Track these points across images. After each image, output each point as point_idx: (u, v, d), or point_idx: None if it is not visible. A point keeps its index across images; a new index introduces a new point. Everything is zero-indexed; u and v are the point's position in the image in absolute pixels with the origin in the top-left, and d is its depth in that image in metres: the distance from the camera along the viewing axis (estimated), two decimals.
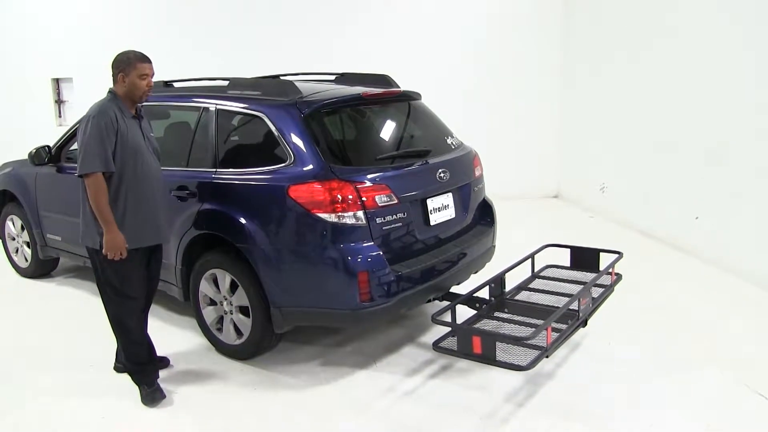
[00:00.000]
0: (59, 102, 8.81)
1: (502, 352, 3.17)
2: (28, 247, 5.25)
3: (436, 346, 3.30)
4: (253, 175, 3.52)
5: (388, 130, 4.00)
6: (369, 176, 3.38)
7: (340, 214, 3.24)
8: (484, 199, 4.30)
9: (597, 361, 3.70)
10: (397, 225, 3.44)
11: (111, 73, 3.18)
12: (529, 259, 4.20)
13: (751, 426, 3.06)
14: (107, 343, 3.58)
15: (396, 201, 3.41)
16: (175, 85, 4.36)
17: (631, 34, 6.71)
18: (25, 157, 4.79)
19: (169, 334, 4.15)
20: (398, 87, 4.25)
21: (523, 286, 4.07)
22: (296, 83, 3.75)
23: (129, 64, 3.12)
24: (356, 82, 4.31)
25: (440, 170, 3.74)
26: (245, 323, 3.63)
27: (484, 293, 3.77)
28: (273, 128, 3.51)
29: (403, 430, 3.08)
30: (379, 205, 3.34)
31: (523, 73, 8.26)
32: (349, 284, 3.25)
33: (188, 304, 4.02)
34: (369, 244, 3.30)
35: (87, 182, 3.01)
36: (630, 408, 3.21)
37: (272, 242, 3.38)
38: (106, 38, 7.95)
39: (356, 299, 3.26)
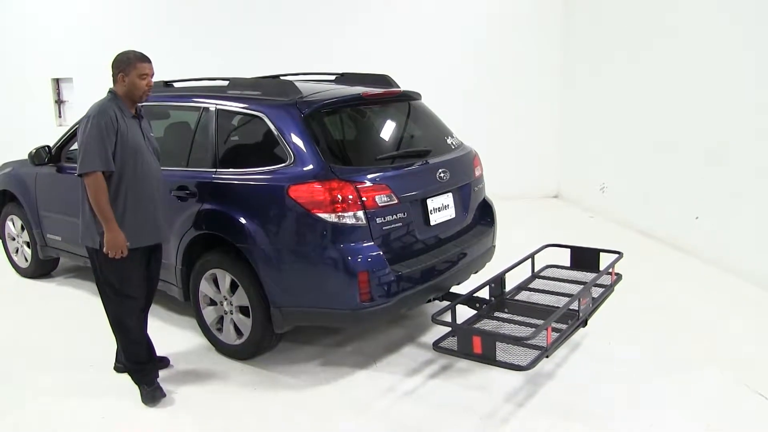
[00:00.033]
0: (59, 102, 8.81)
1: (502, 352, 3.17)
2: (28, 247, 5.25)
3: (436, 346, 3.30)
4: (253, 175, 3.52)
5: (388, 130, 4.00)
6: (369, 176, 3.38)
7: (340, 214, 3.24)
8: (484, 199, 4.30)
9: (597, 361, 3.70)
10: (397, 225, 3.44)
11: (111, 73, 3.18)
12: (529, 259, 4.20)
13: (751, 426, 3.06)
14: (107, 343, 3.58)
15: (396, 201, 3.41)
16: (175, 85, 4.36)
17: (631, 34, 6.71)
18: (25, 157, 4.79)
19: (169, 334, 4.15)
20: (398, 87, 4.25)
21: (523, 286, 4.07)
22: (296, 83, 3.75)
23: (129, 64, 3.13)
24: (356, 82, 4.31)
25: (440, 170, 3.74)
26: (245, 323, 3.63)
27: (484, 293, 3.77)
28: (273, 128, 3.51)
29: (403, 430, 3.08)
30: (379, 205, 3.34)
31: (523, 73, 8.26)
32: (349, 284, 3.25)
33: (188, 304, 4.02)
34: (369, 244, 3.30)
35: (87, 181, 3.02)
36: (630, 408, 3.21)
37: (272, 242, 3.38)
38: (106, 38, 7.96)
39: (356, 299, 3.26)
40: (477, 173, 4.19)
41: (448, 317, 3.41)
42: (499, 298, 3.86)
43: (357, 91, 3.84)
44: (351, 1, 8.19)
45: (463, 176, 3.99)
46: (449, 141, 4.13)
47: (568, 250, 4.29)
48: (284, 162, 3.42)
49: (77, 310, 4.66)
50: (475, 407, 3.23)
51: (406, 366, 3.70)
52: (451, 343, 3.29)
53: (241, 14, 8.10)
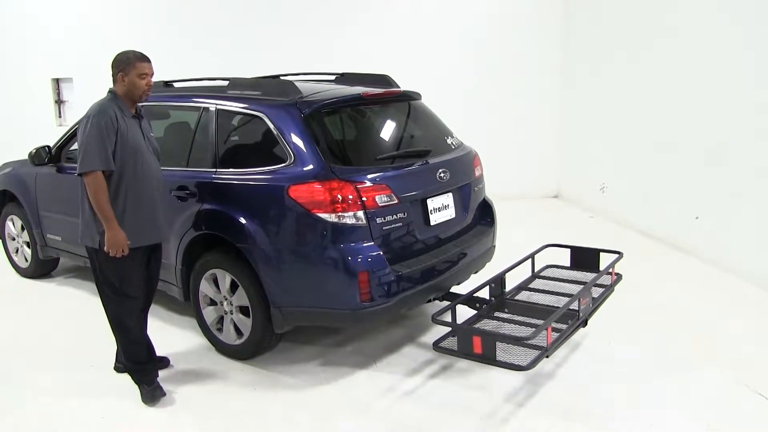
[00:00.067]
0: (59, 102, 8.82)
1: (503, 352, 3.17)
2: (28, 247, 5.25)
3: (437, 346, 3.30)
4: (253, 175, 3.52)
5: (388, 130, 4.00)
6: (369, 176, 3.38)
7: (340, 214, 3.24)
8: (484, 199, 4.30)
9: (597, 361, 3.70)
10: (397, 225, 3.44)
11: (111, 73, 3.19)
12: (529, 259, 4.20)
13: (751, 426, 3.06)
14: (107, 343, 3.58)
15: (396, 201, 3.41)
16: (175, 85, 4.36)
17: (631, 34, 6.71)
18: (25, 157, 4.79)
19: (169, 334, 4.15)
20: (398, 87, 4.25)
21: (523, 286, 4.07)
22: (296, 83, 3.75)
23: (128, 64, 3.13)
24: (356, 82, 4.31)
25: (440, 170, 3.74)
26: (245, 323, 3.63)
27: (484, 293, 3.77)
28: (273, 128, 3.51)
29: (403, 430, 3.08)
30: (380, 205, 3.34)
31: (523, 73, 8.26)
32: (349, 284, 3.25)
33: (188, 304, 4.02)
34: (369, 244, 3.30)
35: (87, 180, 3.02)
36: (630, 408, 3.21)
37: (272, 242, 3.38)
38: (106, 38, 7.96)
39: (356, 299, 3.26)
40: (477, 173, 4.19)
41: (448, 317, 3.41)
42: (499, 298, 3.86)
43: (357, 91, 3.84)
44: (351, 1, 8.19)
45: (463, 176, 3.99)
46: (449, 141, 4.13)
47: (568, 250, 4.29)
48: (284, 162, 3.42)
49: (77, 310, 4.66)
50: (475, 407, 3.23)
51: (406, 366, 3.70)
52: (451, 343, 3.29)
53: (241, 14, 8.10)
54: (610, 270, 3.91)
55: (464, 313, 3.64)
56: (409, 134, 4.09)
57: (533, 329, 3.12)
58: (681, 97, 5.85)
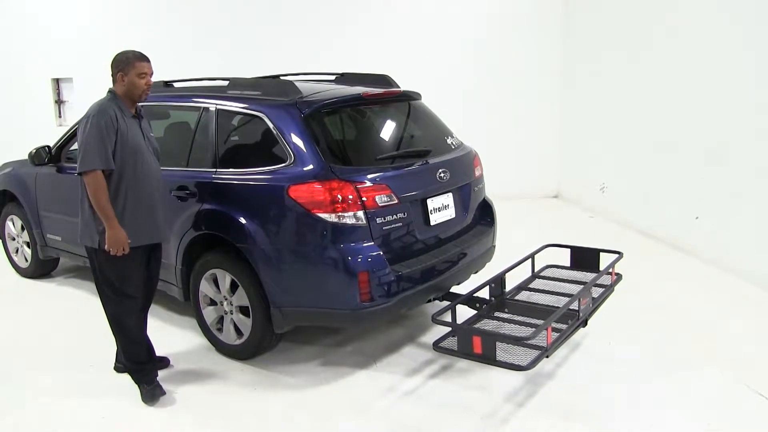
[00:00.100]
0: (59, 102, 8.81)
1: (503, 352, 3.17)
2: (28, 247, 5.25)
3: (437, 346, 3.30)
4: (253, 175, 3.52)
5: (388, 130, 4.00)
6: (369, 176, 3.38)
7: (340, 214, 3.24)
8: (484, 199, 4.30)
9: (597, 361, 3.70)
10: (397, 225, 3.44)
11: (110, 73, 3.19)
12: (529, 259, 4.20)
13: (751, 426, 3.06)
14: (107, 343, 3.58)
15: (396, 201, 3.41)
16: (175, 85, 4.36)
17: (631, 34, 6.71)
18: (25, 157, 4.79)
19: (169, 334, 4.15)
20: (398, 87, 4.25)
21: (523, 286, 4.07)
22: (296, 83, 3.75)
23: (128, 64, 3.13)
24: (356, 82, 4.31)
25: (440, 170, 3.74)
26: (245, 323, 3.63)
27: (484, 293, 3.77)
28: (273, 128, 3.51)
29: (403, 430, 3.08)
30: (380, 205, 3.34)
31: (523, 73, 8.26)
32: (349, 284, 3.25)
33: (188, 304, 4.02)
34: (369, 244, 3.30)
35: (87, 180, 3.02)
36: (630, 408, 3.21)
37: (272, 242, 3.38)
38: (106, 38, 7.96)
39: (356, 299, 3.26)
40: (477, 173, 4.19)
41: (448, 317, 3.41)
42: (499, 298, 3.86)
43: (357, 91, 3.84)
44: (351, 1, 8.19)
45: (463, 176, 3.99)
46: (449, 141, 4.13)
47: (568, 250, 4.29)
48: (284, 162, 3.42)
49: (77, 310, 4.66)
50: (475, 407, 3.23)
51: (406, 366, 3.70)
52: (451, 343, 3.29)
53: (241, 14, 8.09)
54: (610, 270, 3.91)
55: (464, 313, 3.64)
56: (409, 134, 4.09)
57: (533, 329, 3.11)
58: (681, 97, 5.85)
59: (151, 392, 3.32)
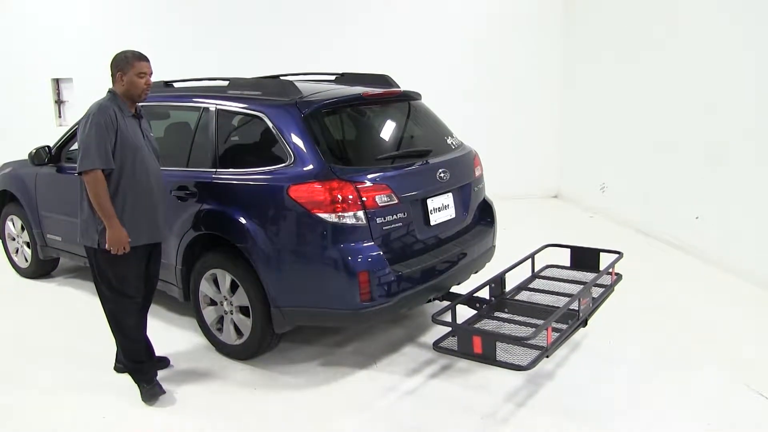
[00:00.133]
0: (59, 102, 8.81)
1: (503, 352, 3.17)
2: (28, 247, 5.25)
3: (437, 346, 3.30)
4: (254, 175, 3.52)
5: (388, 130, 4.00)
6: (369, 176, 3.38)
7: (340, 214, 3.24)
8: (484, 199, 4.30)
9: (597, 361, 3.70)
10: (397, 225, 3.44)
11: (110, 73, 3.19)
12: (529, 259, 4.20)
13: (751, 426, 3.06)
14: (107, 343, 3.58)
15: (396, 201, 3.41)
16: (175, 85, 4.36)
17: (631, 34, 6.71)
18: (25, 157, 4.79)
19: (169, 334, 4.15)
20: (398, 87, 4.25)
21: (523, 286, 4.07)
22: (296, 83, 3.75)
23: (127, 63, 3.14)
24: (356, 82, 4.31)
25: (440, 170, 3.74)
26: (245, 323, 3.63)
27: (484, 293, 3.77)
28: (273, 128, 3.51)
29: (403, 430, 3.08)
30: (380, 205, 3.34)
31: (523, 73, 8.26)
32: (349, 284, 3.25)
33: (188, 304, 4.02)
34: (369, 244, 3.30)
35: (86, 179, 3.02)
36: (630, 408, 3.21)
37: (272, 242, 3.38)
38: (106, 38, 7.95)
39: (357, 299, 3.26)
40: (477, 173, 4.20)
41: (448, 317, 3.41)
42: (500, 298, 3.86)
43: (357, 91, 3.84)
44: (351, 1, 8.19)
45: (463, 176, 3.99)
46: (449, 141, 4.13)
47: (568, 250, 4.29)
48: (284, 162, 3.42)
49: (77, 310, 4.66)
50: (475, 407, 3.23)
51: (406, 366, 3.70)
52: (452, 343, 3.29)
53: (241, 14, 8.09)
54: (610, 270, 3.91)
55: (464, 313, 3.64)
56: (409, 134, 4.09)
57: (533, 329, 3.11)
58: (681, 97, 5.85)
59: (151, 391, 3.32)
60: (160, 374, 3.48)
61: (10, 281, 5.38)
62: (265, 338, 3.60)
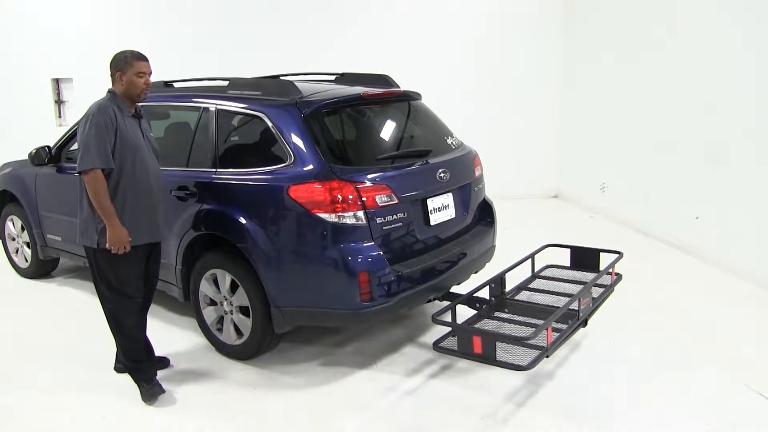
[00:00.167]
0: (59, 102, 8.81)
1: (503, 352, 3.17)
2: (28, 247, 5.25)
3: (437, 346, 3.30)
4: (253, 175, 3.52)
5: (388, 130, 4.00)
6: (369, 176, 3.38)
7: (340, 214, 3.24)
8: (484, 199, 4.30)
9: (597, 361, 3.70)
10: (397, 225, 3.44)
11: (109, 73, 3.19)
12: (530, 259, 4.20)
13: (751, 426, 3.06)
14: (107, 343, 3.58)
15: (396, 201, 3.41)
16: (175, 85, 4.36)
17: (631, 34, 6.71)
18: (25, 157, 4.79)
19: (169, 334, 4.15)
20: (398, 87, 4.25)
21: (523, 286, 4.07)
22: (296, 83, 3.75)
23: (126, 63, 3.14)
24: (356, 82, 4.31)
25: (440, 170, 3.74)
26: (245, 323, 3.63)
27: (484, 293, 3.77)
28: (273, 128, 3.51)
29: (403, 430, 3.08)
30: (380, 205, 3.34)
31: (523, 73, 8.27)
32: (349, 284, 3.25)
33: (188, 305, 4.02)
34: (369, 244, 3.30)
35: (86, 179, 3.02)
36: (630, 408, 3.21)
37: (272, 242, 3.38)
38: (106, 38, 7.95)
39: (357, 299, 3.26)
40: (477, 173, 4.20)
41: (448, 317, 3.40)
42: (500, 298, 3.86)
43: (357, 91, 3.84)
44: (351, 1, 8.19)
45: (463, 176, 3.99)
46: (449, 141, 4.13)
47: (568, 250, 4.29)
48: (284, 162, 3.42)
49: (77, 310, 4.66)
50: (475, 407, 3.23)
51: (406, 366, 3.70)
52: (452, 343, 3.29)
53: (241, 14, 8.09)
54: (610, 270, 3.91)
55: (464, 313, 3.64)
56: (409, 134, 4.09)
57: (533, 329, 3.11)
58: (681, 97, 5.85)
59: (151, 391, 3.32)
60: (160, 374, 3.48)
61: (10, 281, 5.38)
62: (265, 338, 3.60)
